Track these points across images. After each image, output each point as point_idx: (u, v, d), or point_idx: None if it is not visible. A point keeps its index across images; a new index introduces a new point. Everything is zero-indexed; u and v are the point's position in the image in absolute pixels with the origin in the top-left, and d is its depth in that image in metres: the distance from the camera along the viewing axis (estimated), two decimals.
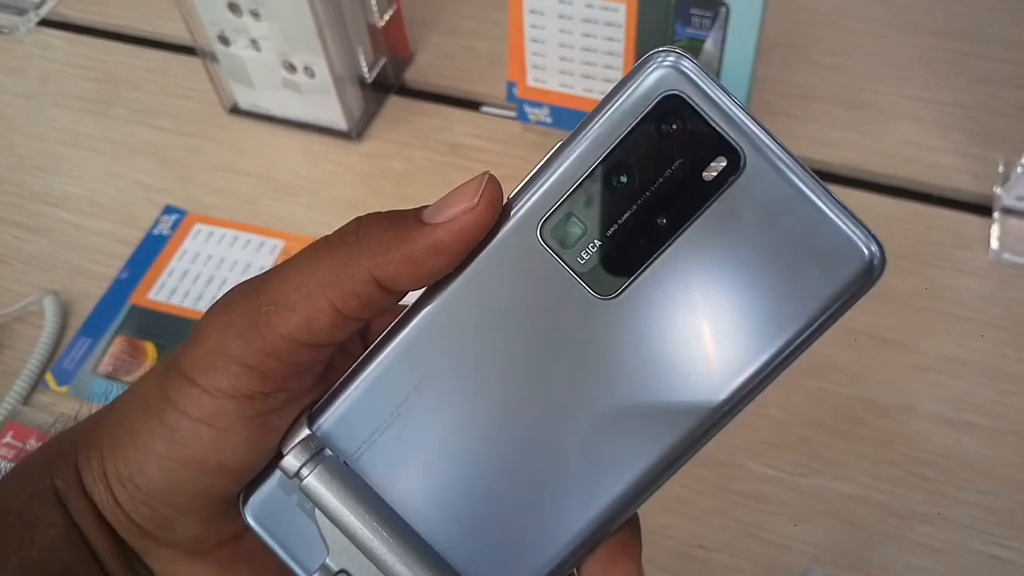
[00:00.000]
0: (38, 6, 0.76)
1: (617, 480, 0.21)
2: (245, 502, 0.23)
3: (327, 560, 0.22)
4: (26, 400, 0.54)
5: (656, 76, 0.20)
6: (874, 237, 0.20)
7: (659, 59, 0.20)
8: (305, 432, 0.23)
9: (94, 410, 0.25)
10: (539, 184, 0.21)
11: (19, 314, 0.57)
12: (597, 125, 0.21)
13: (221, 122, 0.67)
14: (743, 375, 0.20)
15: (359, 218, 0.22)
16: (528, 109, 0.61)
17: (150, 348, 0.55)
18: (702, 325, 0.21)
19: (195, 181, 0.64)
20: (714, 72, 0.54)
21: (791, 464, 0.48)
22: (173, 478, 0.22)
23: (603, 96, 0.21)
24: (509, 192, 0.22)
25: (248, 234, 0.60)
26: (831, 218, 0.20)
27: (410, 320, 0.22)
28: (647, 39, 0.54)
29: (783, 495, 0.47)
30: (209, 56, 0.63)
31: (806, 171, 0.20)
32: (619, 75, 0.56)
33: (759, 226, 0.20)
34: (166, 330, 0.56)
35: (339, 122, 0.63)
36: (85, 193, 0.64)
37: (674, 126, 0.20)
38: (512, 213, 0.21)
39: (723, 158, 0.20)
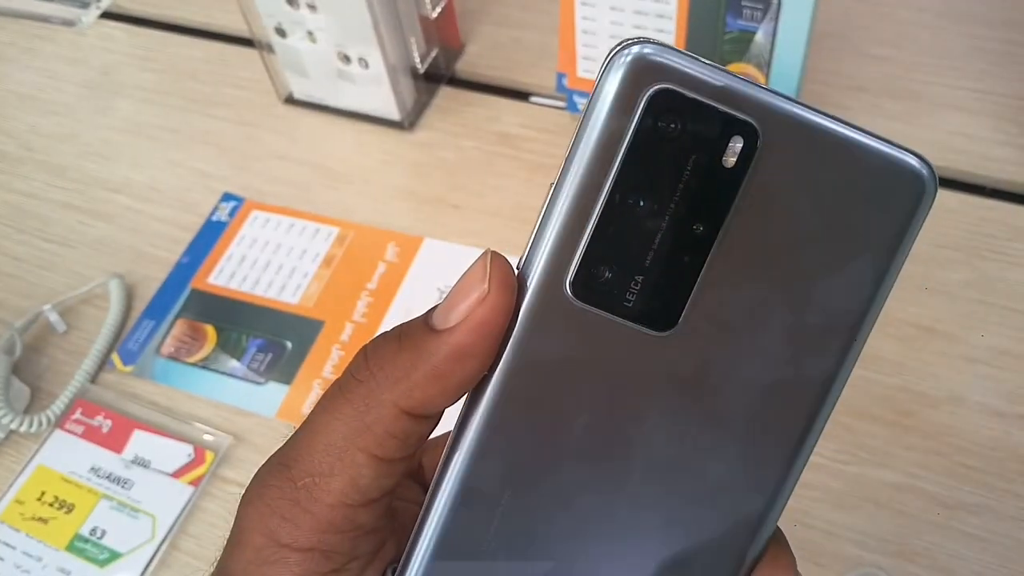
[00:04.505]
0: None
1: (757, 498, 0.20)
2: None
3: None
4: (94, 379, 0.56)
5: (632, 75, 0.17)
6: (914, 153, 0.18)
7: (626, 54, 0.17)
8: None
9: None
10: (549, 238, 0.18)
11: (86, 296, 0.60)
12: (589, 151, 0.18)
13: (276, 112, 0.69)
14: (848, 338, 0.19)
15: (364, 348, 0.20)
16: (578, 99, 0.61)
17: (210, 331, 0.57)
18: (783, 312, 0.18)
19: (252, 169, 0.66)
20: (765, 63, 0.54)
21: (835, 452, 0.48)
22: None
23: (583, 112, 0.18)
24: (517, 260, 0.19)
25: (304, 221, 0.61)
26: (871, 149, 0.18)
27: (462, 440, 0.19)
28: (698, 31, 0.54)
29: (827, 482, 0.47)
30: (266, 47, 0.65)
31: (818, 112, 0.18)
32: None
33: (799, 188, 0.18)
34: (226, 313, 0.58)
35: (391, 112, 0.65)
36: (146, 180, 0.66)
37: (672, 124, 0.17)
38: (530, 283, 0.18)
39: (738, 137, 0.17)
